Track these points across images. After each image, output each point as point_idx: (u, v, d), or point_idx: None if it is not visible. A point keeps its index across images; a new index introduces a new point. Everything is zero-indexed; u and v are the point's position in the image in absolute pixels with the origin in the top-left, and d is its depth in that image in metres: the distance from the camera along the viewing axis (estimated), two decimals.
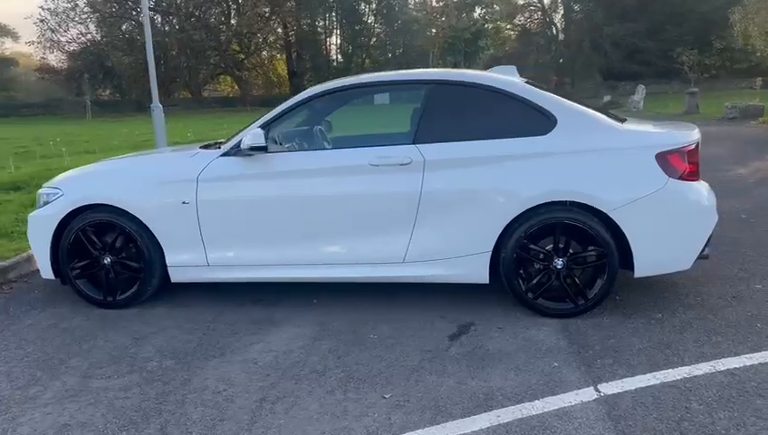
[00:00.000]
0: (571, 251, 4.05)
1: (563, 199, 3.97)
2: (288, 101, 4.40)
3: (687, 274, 4.67)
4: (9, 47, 67.67)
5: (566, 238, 4.03)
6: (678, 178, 3.96)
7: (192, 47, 45.53)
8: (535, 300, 4.11)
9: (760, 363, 3.34)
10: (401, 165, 4.11)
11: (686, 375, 3.25)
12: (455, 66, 23.54)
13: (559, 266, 4.03)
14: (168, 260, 4.42)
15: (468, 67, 24.32)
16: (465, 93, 4.29)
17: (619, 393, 3.10)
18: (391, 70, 5.04)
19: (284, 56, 56.20)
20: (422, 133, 4.19)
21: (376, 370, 3.45)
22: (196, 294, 4.71)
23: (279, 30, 55.00)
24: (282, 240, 4.29)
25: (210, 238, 4.35)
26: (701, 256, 4.22)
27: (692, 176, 4.03)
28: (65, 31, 47.39)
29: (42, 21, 48.18)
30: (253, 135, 4.17)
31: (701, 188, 4.09)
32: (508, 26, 59.37)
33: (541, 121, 4.10)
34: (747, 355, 3.45)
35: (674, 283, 4.63)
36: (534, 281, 4.09)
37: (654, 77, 40.43)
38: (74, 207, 4.44)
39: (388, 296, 4.51)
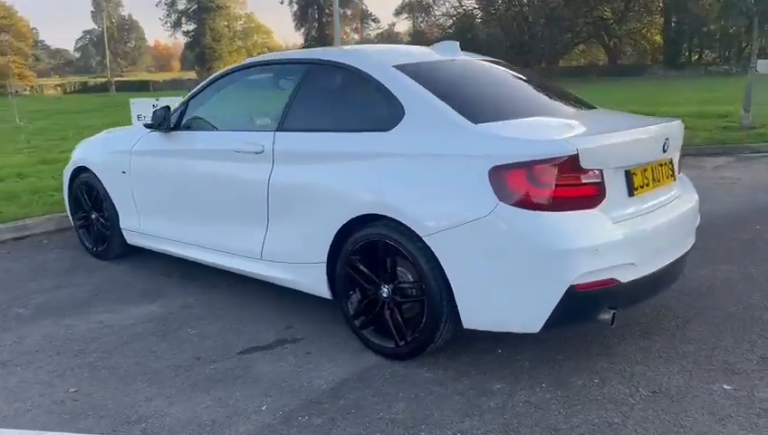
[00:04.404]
0: (400, 279, 3.20)
1: (379, 213, 3.14)
2: (198, 85, 4.40)
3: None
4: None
5: (393, 262, 3.19)
6: (516, 205, 2.76)
7: (550, 16, 44.82)
8: (361, 329, 3.36)
9: None
10: (256, 153, 3.74)
11: None
12: (745, 32, 18.21)
13: (384, 295, 3.22)
14: (121, 223, 4.84)
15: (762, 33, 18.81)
16: (334, 76, 3.67)
17: None
18: None
19: (662, 21, 51.29)
20: (287, 120, 3.73)
21: (119, 364, 3.32)
22: (171, 261, 4.82)
23: None
24: (178, 217, 4.35)
25: (140, 207, 4.62)
26: (600, 320, 2.93)
27: (552, 203, 2.75)
28: (441, 4, 51.28)
29: None
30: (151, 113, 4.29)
31: (564, 222, 2.75)
32: None
33: (390, 114, 3.26)
34: None
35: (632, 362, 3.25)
36: (361, 306, 3.35)
37: None
38: (74, 167, 5.16)
39: (286, 294, 4.10)
